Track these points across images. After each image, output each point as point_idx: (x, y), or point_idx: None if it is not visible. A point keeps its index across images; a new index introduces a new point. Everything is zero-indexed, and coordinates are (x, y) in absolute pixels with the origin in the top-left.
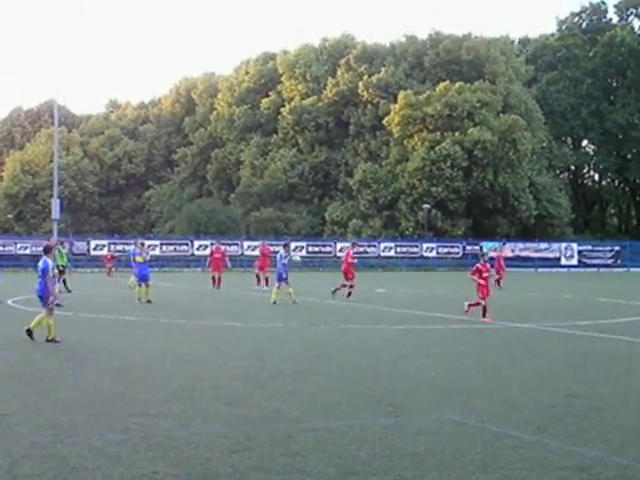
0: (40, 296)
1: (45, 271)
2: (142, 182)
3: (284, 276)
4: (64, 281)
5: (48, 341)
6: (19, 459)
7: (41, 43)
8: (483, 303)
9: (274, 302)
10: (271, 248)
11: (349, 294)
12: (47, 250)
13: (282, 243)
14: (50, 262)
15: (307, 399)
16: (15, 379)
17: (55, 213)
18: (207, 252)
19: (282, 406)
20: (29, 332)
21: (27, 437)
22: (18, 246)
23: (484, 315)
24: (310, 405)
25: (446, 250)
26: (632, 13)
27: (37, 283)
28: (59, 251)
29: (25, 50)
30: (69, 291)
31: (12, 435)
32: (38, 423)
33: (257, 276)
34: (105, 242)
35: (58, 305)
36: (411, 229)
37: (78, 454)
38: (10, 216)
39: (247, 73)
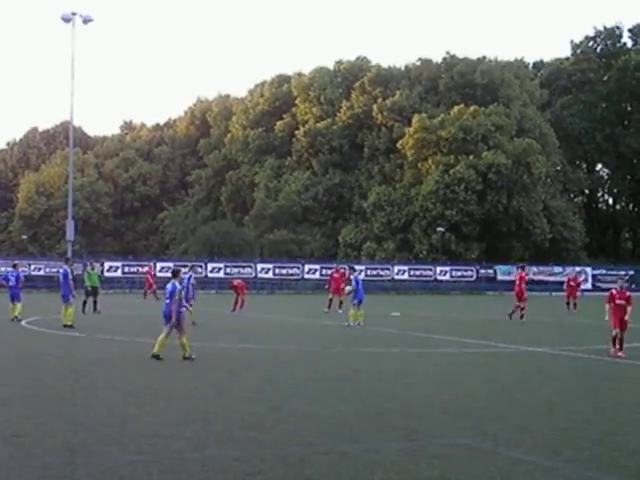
0: (165, 316)
1: (173, 294)
2: (156, 204)
3: (362, 298)
4: (94, 302)
5: (185, 358)
6: None
7: (56, 64)
8: (613, 333)
9: (357, 324)
10: (342, 271)
11: (522, 316)
12: (175, 273)
13: (349, 266)
14: (178, 285)
15: (321, 422)
16: (28, 400)
17: (69, 234)
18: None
19: (296, 429)
20: (156, 357)
21: (40, 458)
22: (32, 267)
23: (614, 345)
24: (324, 428)
25: (460, 273)
26: None
27: (164, 305)
28: (88, 273)
29: (41, 71)
30: (97, 312)
31: (24, 457)
32: (51, 444)
33: (330, 300)
34: (119, 264)
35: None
36: (425, 252)
37: (91, 475)
38: (24, 237)
39: (262, 95)
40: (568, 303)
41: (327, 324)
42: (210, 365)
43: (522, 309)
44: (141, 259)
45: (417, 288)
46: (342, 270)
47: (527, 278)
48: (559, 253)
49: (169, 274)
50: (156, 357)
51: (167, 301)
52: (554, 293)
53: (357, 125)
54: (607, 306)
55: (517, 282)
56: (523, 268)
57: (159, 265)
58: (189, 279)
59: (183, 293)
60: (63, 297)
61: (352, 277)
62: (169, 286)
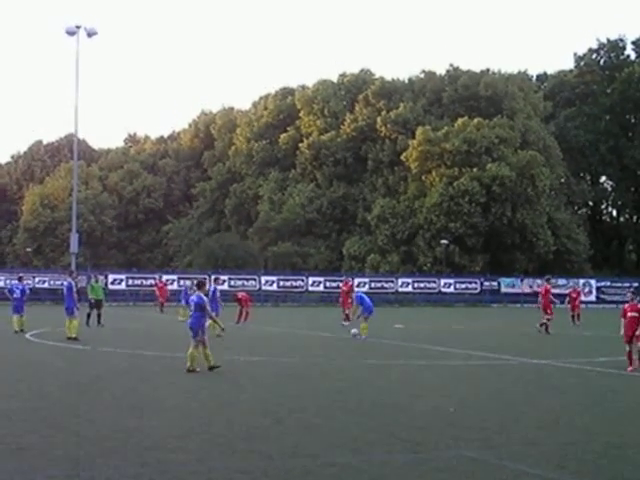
0: (192, 328)
1: (199, 306)
2: (161, 216)
3: (371, 310)
4: (98, 315)
5: (189, 371)
6: None
7: (61, 77)
8: (627, 348)
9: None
10: (350, 283)
11: (547, 327)
12: (200, 285)
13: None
14: (205, 297)
15: (325, 434)
16: (32, 413)
17: (73, 247)
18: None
19: (300, 441)
20: (190, 370)
21: (43, 471)
22: (36, 280)
23: (630, 360)
24: (328, 440)
25: (464, 286)
26: None
27: (190, 316)
28: (92, 286)
29: (46, 84)
30: (101, 324)
31: (28, 469)
32: (54, 457)
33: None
34: (123, 276)
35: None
36: (429, 264)
37: None
38: (29, 250)
39: (265, 108)
40: (573, 316)
41: (331, 336)
42: (214, 377)
43: (549, 320)
44: (145, 272)
45: (421, 300)
46: (350, 283)
47: (552, 291)
48: (563, 265)
49: (175, 287)
50: (193, 371)
51: (192, 313)
52: (558, 305)
53: (361, 137)
54: (622, 321)
55: (543, 294)
56: (548, 280)
57: (164, 278)
58: (214, 292)
59: (209, 306)
60: (67, 310)
61: (354, 295)
62: (195, 298)
